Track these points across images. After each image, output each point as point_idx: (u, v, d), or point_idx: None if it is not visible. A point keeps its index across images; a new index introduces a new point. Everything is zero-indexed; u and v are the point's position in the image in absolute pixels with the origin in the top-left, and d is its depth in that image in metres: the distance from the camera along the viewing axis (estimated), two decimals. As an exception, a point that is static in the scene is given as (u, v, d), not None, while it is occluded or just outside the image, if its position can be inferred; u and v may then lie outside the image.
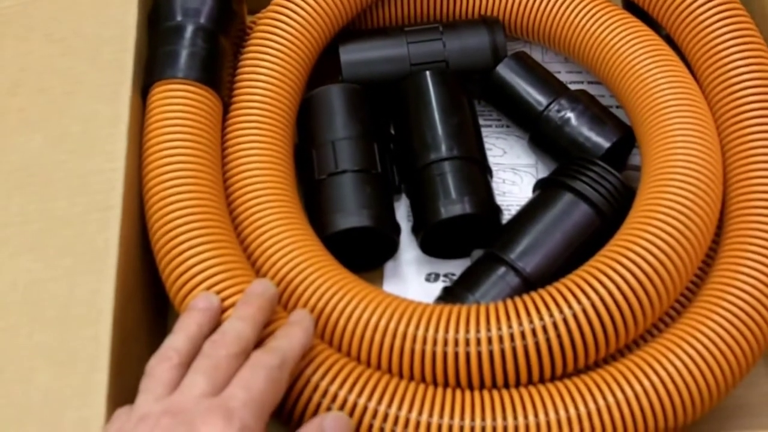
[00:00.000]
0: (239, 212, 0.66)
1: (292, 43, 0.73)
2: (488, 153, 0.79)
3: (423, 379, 0.60)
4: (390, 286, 0.74)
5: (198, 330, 0.56)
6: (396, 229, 0.72)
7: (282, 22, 0.73)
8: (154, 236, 0.62)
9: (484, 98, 0.81)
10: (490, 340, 0.59)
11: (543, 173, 0.77)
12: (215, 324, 0.57)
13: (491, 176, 0.75)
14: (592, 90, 0.80)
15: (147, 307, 0.65)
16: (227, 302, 0.59)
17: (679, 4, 0.72)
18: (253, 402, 0.51)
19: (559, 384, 0.59)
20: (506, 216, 0.74)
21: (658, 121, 0.68)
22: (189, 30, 0.68)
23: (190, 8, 0.69)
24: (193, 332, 0.55)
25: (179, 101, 0.66)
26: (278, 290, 0.62)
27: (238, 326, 0.56)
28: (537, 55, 0.85)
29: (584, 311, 0.59)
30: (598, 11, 0.76)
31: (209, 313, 0.57)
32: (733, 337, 0.60)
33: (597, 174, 0.69)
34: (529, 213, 0.70)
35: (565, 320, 0.59)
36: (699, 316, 0.61)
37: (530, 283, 0.65)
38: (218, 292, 0.59)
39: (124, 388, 0.57)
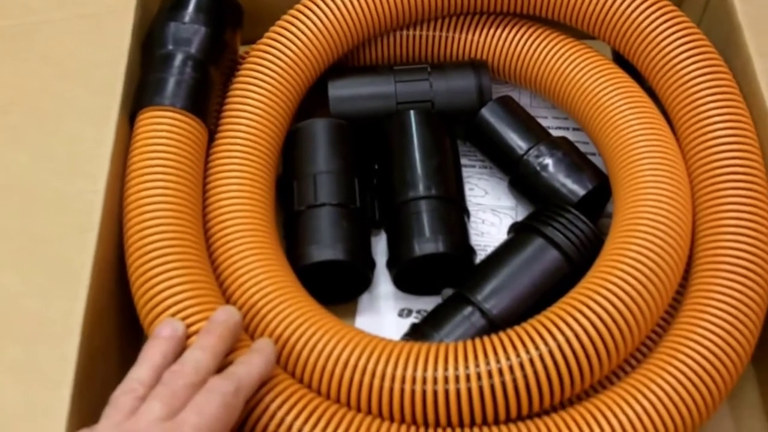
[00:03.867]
0: (214, 240, 0.68)
1: (281, 76, 0.74)
2: (470, 193, 0.80)
3: (380, 415, 0.61)
4: (363, 320, 0.75)
5: (162, 360, 0.57)
6: (370, 265, 0.73)
7: (272, 55, 0.75)
8: (129, 259, 0.64)
9: (468, 139, 0.82)
10: (457, 379, 0.59)
11: (522, 216, 0.78)
12: (180, 351, 0.59)
13: (468, 217, 0.76)
14: (577, 136, 0.82)
15: (120, 329, 0.67)
16: (194, 328, 0.60)
17: (660, 58, 0.73)
18: (206, 427, 0.52)
19: (521, 425, 0.60)
20: (483, 256, 0.75)
21: (630, 170, 0.69)
22: (178, 59, 0.70)
23: (182, 38, 0.71)
24: (157, 362, 0.57)
25: (164, 128, 0.67)
26: (245, 317, 0.64)
27: (198, 356, 0.57)
28: (525, 99, 0.86)
29: (551, 352, 0.60)
30: (582, 60, 0.78)
31: (173, 341, 0.59)
32: (693, 383, 0.61)
33: (568, 221, 0.70)
34: (499, 256, 0.71)
35: (531, 361, 0.60)
36: (659, 362, 0.62)
37: (495, 325, 0.66)
38: (186, 318, 0.61)
39: (87, 407, 0.58)
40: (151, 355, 0.57)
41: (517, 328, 0.62)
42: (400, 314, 0.75)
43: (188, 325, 0.60)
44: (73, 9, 0.74)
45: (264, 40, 0.76)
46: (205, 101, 0.70)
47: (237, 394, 0.55)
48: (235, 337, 0.61)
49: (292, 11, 0.77)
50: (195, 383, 0.55)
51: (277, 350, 0.62)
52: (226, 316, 0.60)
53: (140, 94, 0.70)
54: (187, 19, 0.72)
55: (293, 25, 0.76)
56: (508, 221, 0.79)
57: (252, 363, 0.58)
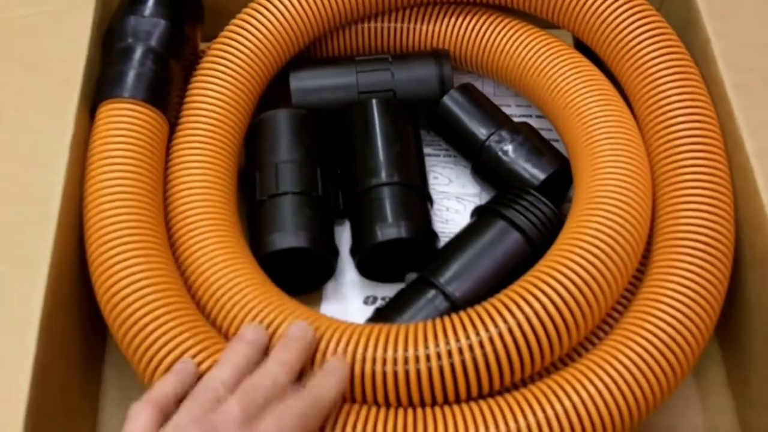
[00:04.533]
0: (176, 230, 0.68)
1: (242, 68, 0.75)
2: (434, 181, 0.81)
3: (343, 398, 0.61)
4: (328, 308, 0.75)
5: (245, 364, 0.58)
6: (333, 252, 0.73)
7: (233, 47, 0.75)
8: (89, 249, 0.64)
9: (431, 128, 0.82)
10: (417, 359, 0.60)
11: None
12: (261, 357, 0.60)
13: (431, 204, 0.76)
14: (541, 123, 0.82)
15: (82, 318, 0.67)
16: (157, 313, 0.61)
17: (619, 41, 0.74)
18: None
19: (482, 403, 0.60)
20: (449, 242, 0.75)
21: (590, 152, 0.69)
22: (138, 51, 0.70)
23: (141, 31, 0.71)
24: (239, 366, 0.58)
25: (124, 120, 0.68)
26: (207, 307, 0.65)
27: (276, 370, 0.58)
28: (489, 88, 0.87)
29: (510, 330, 0.60)
30: (544, 48, 0.78)
31: (257, 347, 0.60)
32: (654, 358, 0.61)
33: (529, 203, 0.70)
34: (462, 239, 0.71)
35: (491, 339, 0.60)
36: (620, 338, 0.62)
37: (458, 307, 0.66)
38: (147, 304, 0.61)
39: (47, 394, 0.59)
40: (234, 357, 0.59)
41: (477, 307, 0.62)
42: (366, 302, 0.75)
43: (148, 312, 0.61)
44: (36, 6, 0.75)
45: (225, 33, 0.77)
46: (166, 93, 0.71)
47: (315, 410, 0.56)
48: (310, 354, 0.61)
49: (252, 4, 0.77)
50: (272, 397, 0.56)
51: (348, 369, 0.61)
52: (301, 332, 0.61)
53: (100, 86, 0.70)
54: (147, 12, 0.72)
55: (254, 17, 0.76)
56: (472, 208, 0.79)
57: (328, 384, 0.59)
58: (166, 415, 0.55)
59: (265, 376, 0.57)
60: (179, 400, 0.56)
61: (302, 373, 0.60)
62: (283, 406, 0.55)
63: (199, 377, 0.59)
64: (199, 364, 0.60)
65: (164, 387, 0.57)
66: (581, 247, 0.63)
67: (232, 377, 0.57)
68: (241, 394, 0.55)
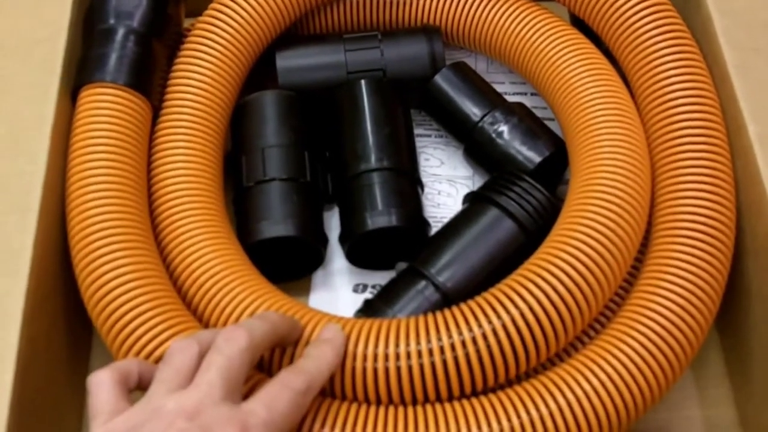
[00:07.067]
0: (161, 219, 0.66)
1: (227, 48, 0.72)
2: (425, 163, 0.79)
3: (332, 394, 0.60)
4: (317, 296, 0.73)
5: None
6: (322, 240, 0.72)
7: (217, 27, 0.73)
8: (72, 241, 0.62)
9: (422, 108, 0.80)
10: (409, 355, 0.58)
11: (479, 186, 0.76)
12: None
13: (422, 189, 0.74)
14: (535, 101, 0.80)
15: (66, 311, 0.65)
16: (140, 308, 0.59)
17: (617, 18, 0.71)
18: (273, 423, 0.50)
19: (474, 401, 0.59)
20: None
21: (586, 134, 0.67)
22: (120, 33, 0.68)
23: (123, 11, 0.69)
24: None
25: (106, 105, 0.66)
26: (194, 298, 0.63)
27: (253, 323, 0.55)
28: (482, 65, 0.84)
29: (504, 326, 0.58)
30: (539, 23, 0.76)
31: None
32: (651, 353, 0.60)
33: (523, 190, 0.68)
34: (453, 227, 0.70)
35: (484, 335, 0.58)
36: (617, 332, 0.61)
37: (449, 299, 0.65)
38: (132, 299, 0.59)
39: (30, 391, 0.58)
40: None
41: (470, 302, 0.61)
42: (355, 290, 0.74)
43: (134, 306, 0.59)
44: (10, -14, 0.72)
45: (208, 11, 0.74)
46: (149, 77, 0.68)
47: (307, 394, 0.53)
48: (295, 329, 0.59)
49: (237, -20, 0.74)
50: (248, 348, 0.52)
51: (345, 338, 0.59)
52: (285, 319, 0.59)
53: (81, 70, 0.68)
54: (128, -9, 0.70)
55: (239, -7, 0.74)
56: (464, 191, 0.77)
57: (323, 358, 0.56)
58: (128, 381, 0.53)
59: (241, 325, 0.54)
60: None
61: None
62: (276, 387, 0.52)
63: None
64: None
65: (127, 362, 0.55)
66: (578, 239, 0.61)
67: (212, 336, 0.53)
68: (215, 356, 0.51)
